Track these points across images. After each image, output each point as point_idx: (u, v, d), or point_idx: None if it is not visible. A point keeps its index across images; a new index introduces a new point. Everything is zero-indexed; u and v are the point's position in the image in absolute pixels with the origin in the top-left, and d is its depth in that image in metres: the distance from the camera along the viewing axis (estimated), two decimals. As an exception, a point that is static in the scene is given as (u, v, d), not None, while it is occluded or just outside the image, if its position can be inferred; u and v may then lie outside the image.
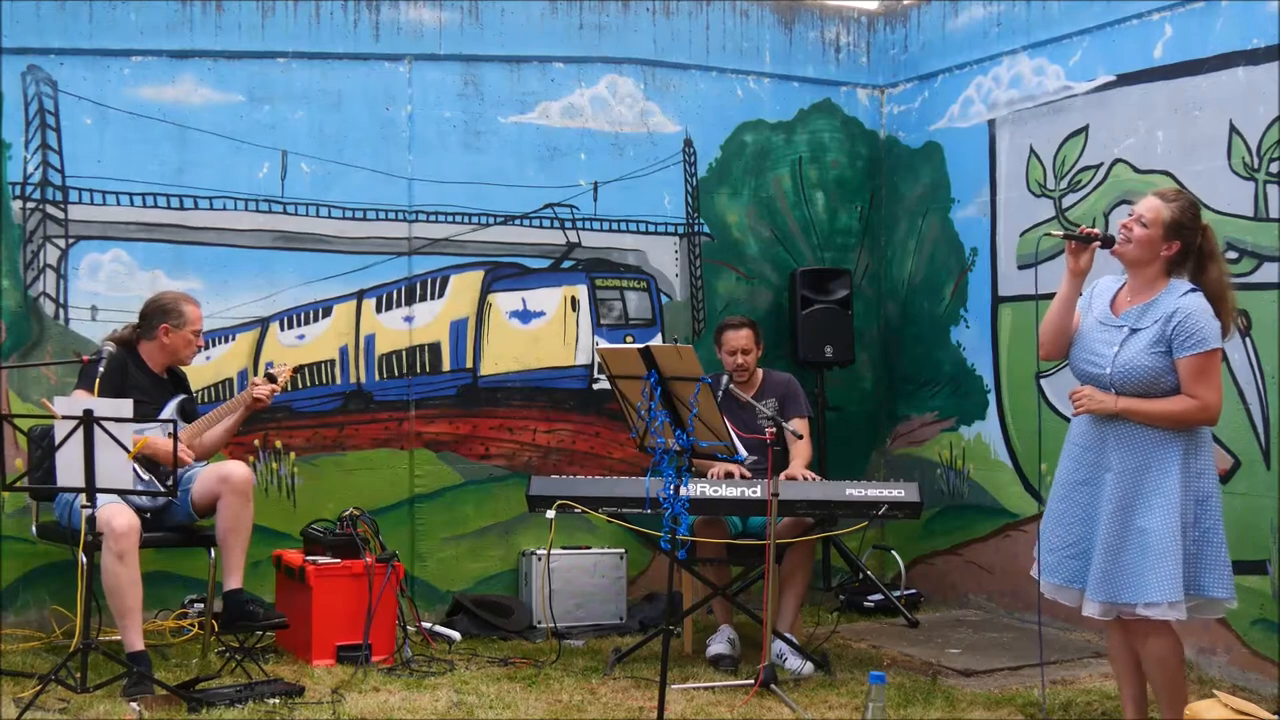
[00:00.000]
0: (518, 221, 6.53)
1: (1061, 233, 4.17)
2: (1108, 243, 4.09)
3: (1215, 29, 5.37)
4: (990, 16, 6.56)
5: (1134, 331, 3.99)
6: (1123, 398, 3.96)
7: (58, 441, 4.47)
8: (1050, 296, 4.17)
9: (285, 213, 6.16)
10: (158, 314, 5.33)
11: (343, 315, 6.27)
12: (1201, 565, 3.92)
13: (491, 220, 6.48)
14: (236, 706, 4.50)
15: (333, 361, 6.26)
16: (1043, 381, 6.13)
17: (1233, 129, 5.27)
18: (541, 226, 6.57)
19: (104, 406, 4.50)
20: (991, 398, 6.55)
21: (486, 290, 6.48)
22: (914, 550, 6.95)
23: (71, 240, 5.85)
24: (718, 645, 5.46)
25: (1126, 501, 3.94)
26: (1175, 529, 3.87)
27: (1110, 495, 3.97)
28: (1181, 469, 3.91)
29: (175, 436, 4.73)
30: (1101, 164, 5.92)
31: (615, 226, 6.71)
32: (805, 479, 5.52)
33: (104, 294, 5.88)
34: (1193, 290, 3.96)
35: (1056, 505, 4.15)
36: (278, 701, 4.61)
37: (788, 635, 5.36)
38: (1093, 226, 5.90)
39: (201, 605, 5.61)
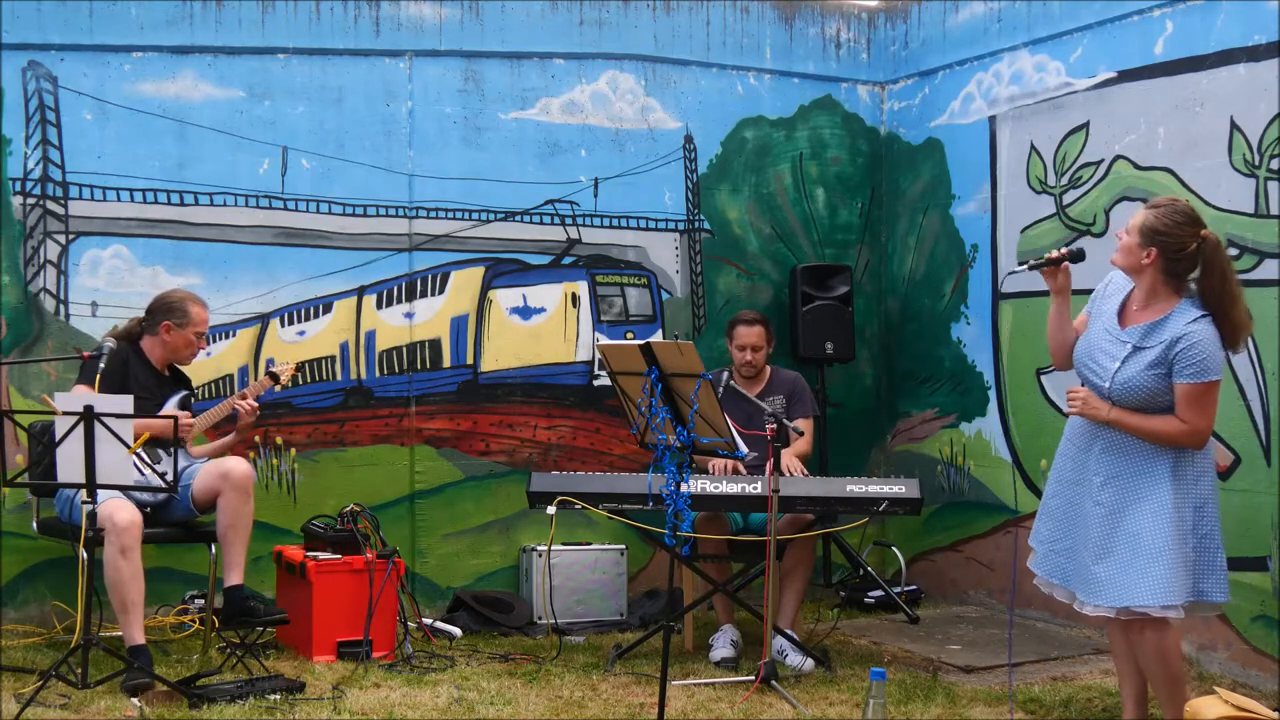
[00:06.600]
0: (518, 218, 6.53)
1: (1027, 265, 4.22)
2: (1075, 258, 4.16)
3: (1216, 26, 5.36)
4: (991, 13, 6.55)
5: (1137, 350, 3.98)
6: (1115, 408, 4.00)
7: (58, 437, 4.47)
8: (1044, 294, 4.24)
9: (286, 209, 6.16)
10: (162, 310, 5.36)
11: (343, 311, 6.27)
12: (1200, 570, 3.95)
13: (492, 216, 6.48)
14: (237, 702, 4.51)
15: (333, 358, 6.26)
16: (1043, 378, 6.14)
17: (1234, 125, 5.27)
18: (542, 223, 6.57)
19: (104, 402, 4.50)
20: (992, 394, 6.55)
21: (487, 286, 6.48)
22: (914, 547, 6.95)
23: (72, 236, 5.85)
24: (721, 649, 5.44)
25: (1117, 506, 3.98)
26: (1167, 534, 3.88)
27: (1100, 500, 4.01)
28: (1173, 476, 3.93)
29: (176, 432, 4.74)
30: (1102, 160, 5.91)
31: (616, 223, 6.70)
32: (791, 472, 5.49)
33: (104, 290, 5.87)
34: (1203, 317, 3.92)
35: (1049, 500, 4.24)
36: (278, 697, 4.61)
37: (788, 631, 5.36)
38: (1091, 224, 5.94)
39: (202, 601, 5.61)
